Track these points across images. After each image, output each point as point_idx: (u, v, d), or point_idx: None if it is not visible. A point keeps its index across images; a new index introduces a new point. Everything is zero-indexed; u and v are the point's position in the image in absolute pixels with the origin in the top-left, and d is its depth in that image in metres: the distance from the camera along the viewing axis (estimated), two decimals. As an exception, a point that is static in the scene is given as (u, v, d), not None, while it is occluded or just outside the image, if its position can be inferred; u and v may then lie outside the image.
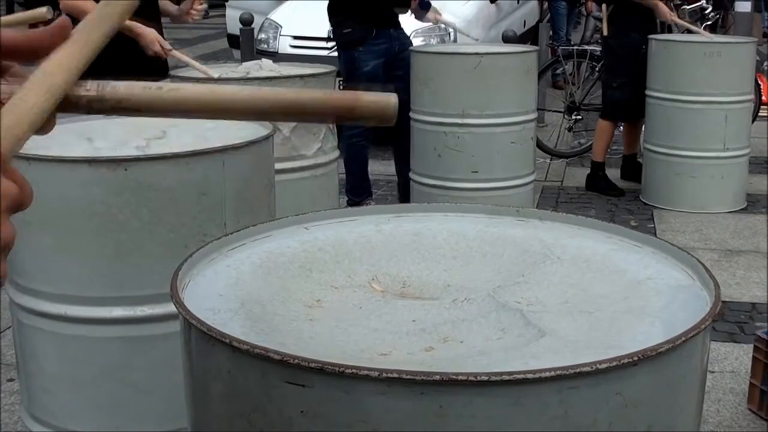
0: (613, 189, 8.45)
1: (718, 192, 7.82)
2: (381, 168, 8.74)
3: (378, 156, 8.12)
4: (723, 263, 6.39)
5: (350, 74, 7.14)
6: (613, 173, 8.82)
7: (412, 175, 6.98)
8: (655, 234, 6.48)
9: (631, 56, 8.14)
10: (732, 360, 4.91)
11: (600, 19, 10.28)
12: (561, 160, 9.65)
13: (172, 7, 6.22)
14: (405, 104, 6.87)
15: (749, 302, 5.72)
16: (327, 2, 7.34)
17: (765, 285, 6.02)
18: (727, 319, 5.38)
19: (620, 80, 8.30)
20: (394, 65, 7.20)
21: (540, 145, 8.82)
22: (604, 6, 8.44)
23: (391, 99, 1.01)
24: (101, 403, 3.21)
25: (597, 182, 8.53)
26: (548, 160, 9.50)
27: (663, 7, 8.17)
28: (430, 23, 8.00)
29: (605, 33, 8.44)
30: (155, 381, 3.15)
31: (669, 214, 7.70)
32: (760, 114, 10.30)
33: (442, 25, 8.66)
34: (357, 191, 7.42)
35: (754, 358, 4.41)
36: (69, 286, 3.13)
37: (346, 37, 7.17)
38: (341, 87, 7.46)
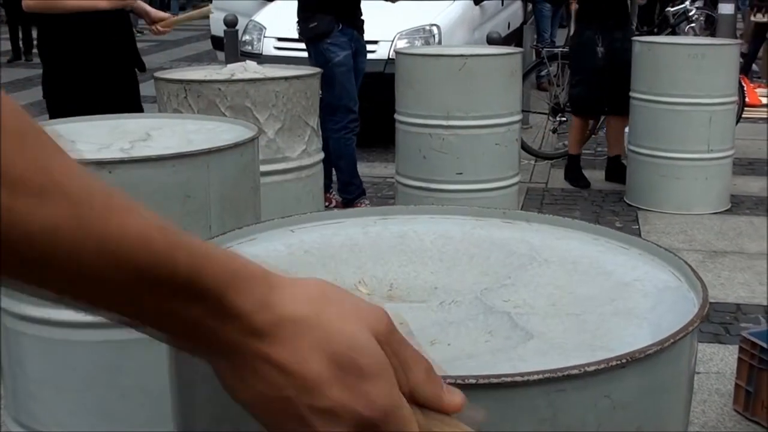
0: (579, 180, 8.69)
1: (703, 193, 7.85)
2: (366, 170, 8.74)
3: (363, 158, 8.12)
4: (708, 264, 6.40)
5: (323, 66, 7.17)
6: (599, 174, 8.86)
7: (397, 177, 6.98)
8: (639, 235, 6.48)
9: (586, 54, 8.29)
10: (717, 361, 4.92)
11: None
12: (545, 161, 9.67)
13: (149, 9, 6.25)
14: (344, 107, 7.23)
15: (734, 303, 5.74)
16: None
17: (749, 286, 6.03)
18: (712, 320, 5.39)
19: (577, 77, 8.58)
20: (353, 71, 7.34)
21: (524, 146, 8.85)
22: (573, 5, 8.62)
23: None
24: (86, 407, 3.19)
25: (567, 172, 8.81)
26: (533, 162, 9.51)
27: None
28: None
29: (571, 33, 8.67)
30: (141, 385, 3.14)
31: (653, 215, 7.72)
32: (744, 115, 10.33)
33: (427, 27, 8.69)
34: (349, 189, 7.42)
35: (739, 359, 4.42)
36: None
37: (312, 31, 7.29)
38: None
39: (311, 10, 7.28)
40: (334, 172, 7.66)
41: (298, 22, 7.46)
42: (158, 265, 0.85)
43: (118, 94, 5.74)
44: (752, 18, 15.10)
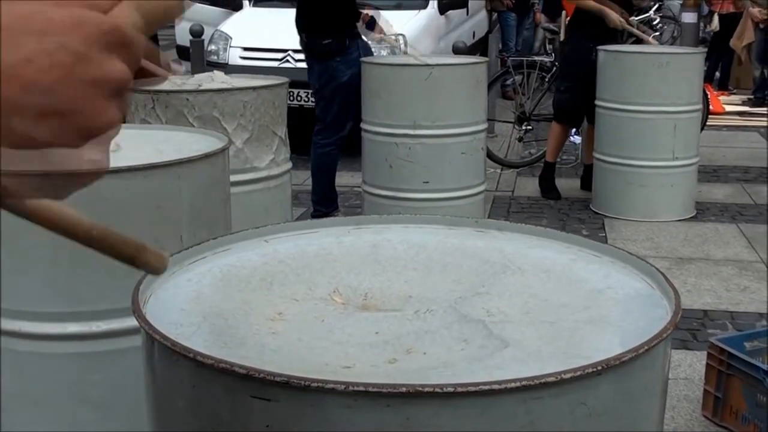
0: (551, 191, 8.71)
1: (668, 200, 7.90)
2: (341, 180, 8.75)
3: (343, 167, 8.13)
4: (674, 271, 6.44)
5: (327, 83, 7.14)
6: (563, 183, 8.89)
7: (363, 186, 6.98)
8: (606, 243, 6.51)
9: (580, 62, 8.25)
10: (685, 367, 4.96)
11: (549, 30, 10.37)
12: (512, 170, 9.69)
13: None
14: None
15: (701, 309, 5.78)
16: (293, 12, 7.36)
17: (716, 292, 6.08)
18: (680, 327, 5.42)
19: (567, 84, 8.51)
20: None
21: (491, 155, 8.87)
22: (563, 12, 8.59)
23: (165, 262, 1.20)
24: (58, 420, 3.18)
25: (541, 180, 8.78)
26: (499, 171, 9.54)
27: (611, 14, 8.27)
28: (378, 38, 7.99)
29: (562, 38, 8.61)
30: (112, 397, 3.13)
31: (620, 222, 7.76)
32: (708, 123, 10.41)
33: (393, 36, 8.67)
34: (325, 202, 7.40)
35: (707, 365, 4.45)
36: (23, 302, 3.10)
37: (325, 47, 7.16)
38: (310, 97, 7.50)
39: (321, 26, 7.18)
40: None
41: (306, 36, 7.35)
42: None
43: None
44: (708, 28, 15.25)
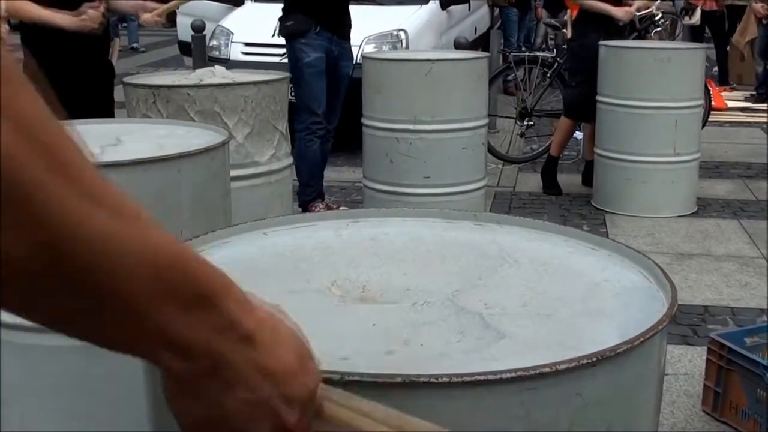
0: (552, 187, 8.67)
1: (669, 196, 7.89)
2: (334, 174, 8.75)
3: (330, 162, 8.12)
4: (675, 267, 6.44)
5: (293, 65, 7.18)
6: (565, 178, 8.89)
7: (364, 181, 6.99)
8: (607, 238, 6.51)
9: (588, 57, 8.23)
10: (686, 362, 4.96)
11: (551, 26, 10.37)
12: (513, 165, 9.69)
13: (127, 5, 6.24)
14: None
15: (701, 305, 5.78)
16: (280, 8, 7.41)
17: (717, 288, 6.08)
18: (680, 322, 5.43)
19: (577, 79, 8.49)
20: (332, 75, 7.27)
21: (492, 150, 8.87)
22: (568, 11, 8.61)
23: None
24: (60, 413, 3.18)
25: (544, 174, 8.74)
26: (500, 166, 9.53)
27: (616, 11, 8.29)
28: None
29: (569, 36, 8.60)
30: (114, 389, 3.13)
31: (621, 218, 7.76)
32: (709, 119, 10.40)
33: (394, 32, 8.68)
34: (306, 190, 7.38)
35: (707, 360, 4.45)
36: (24, 294, 3.10)
37: (288, 28, 7.26)
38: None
39: (290, 9, 7.27)
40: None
41: (278, 19, 7.47)
42: (188, 278, 0.87)
43: (93, 99, 5.72)
44: (683, 21, 15.23)
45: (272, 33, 7.81)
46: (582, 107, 8.45)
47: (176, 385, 0.94)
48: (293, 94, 6.97)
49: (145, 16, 6.10)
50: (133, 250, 0.83)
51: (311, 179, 7.41)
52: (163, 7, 6.29)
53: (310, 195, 7.38)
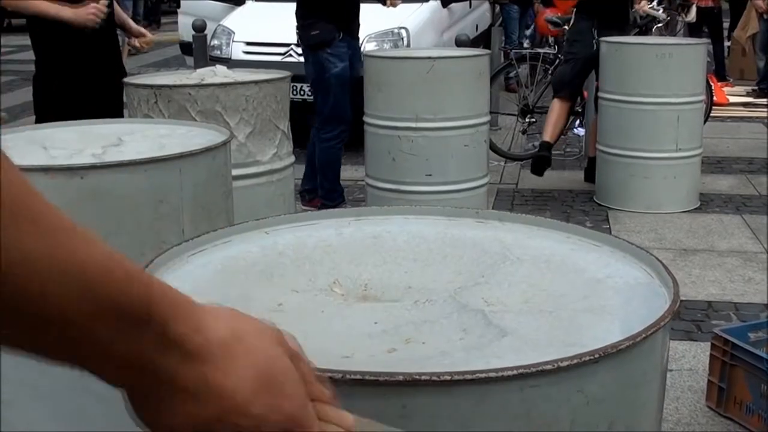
0: (537, 171, 8.53)
1: (672, 192, 7.87)
2: (344, 173, 8.75)
3: (347, 161, 8.13)
4: (678, 262, 6.43)
5: (319, 75, 7.17)
6: (568, 175, 8.88)
7: (366, 179, 6.99)
8: (610, 234, 6.52)
9: (581, 42, 8.39)
10: (690, 358, 4.95)
11: (552, 22, 10.36)
12: (515, 162, 9.68)
13: (131, 23, 6.30)
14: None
15: (705, 301, 5.77)
16: (294, 6, 7.39)
17: (720, 283, 6.07)
18: (684, 318, 5.43)
19: (566, 58, 8.61)
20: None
21: (494, 148, 8.86)
22: (538, 7, 8.75)
23: None
24: (61, 413, 3.18)
25: (534, 160, 8.64)
26: (502, 163, 9.52)
27: None
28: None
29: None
30: (114, 389, 3.13)
31: (623, 214, 7.75)
32: (711, 114, 10.38)
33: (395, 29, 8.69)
34: (332, 195, 7.43)
35: (711, 356, 4.45)
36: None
37: (314, 38, 7.21)
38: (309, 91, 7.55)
39: (314, 18, 7.22)
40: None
41: (298, 27, 7.40)
42: (119, 294, 0.86)
43: (102, 99, 5.73)
44: (680, 18, 15.22)
45: (296, 42, 7.74)
46: (564, 83, 8.51)
47: (131, 401, 0.94)
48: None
49: (134, 41, 6.21)
50: (63, 270, 0.81)
51: (336, 184, 7.46)
52: (153, 38, 6.41)
53: (336, 200, 7.42)
